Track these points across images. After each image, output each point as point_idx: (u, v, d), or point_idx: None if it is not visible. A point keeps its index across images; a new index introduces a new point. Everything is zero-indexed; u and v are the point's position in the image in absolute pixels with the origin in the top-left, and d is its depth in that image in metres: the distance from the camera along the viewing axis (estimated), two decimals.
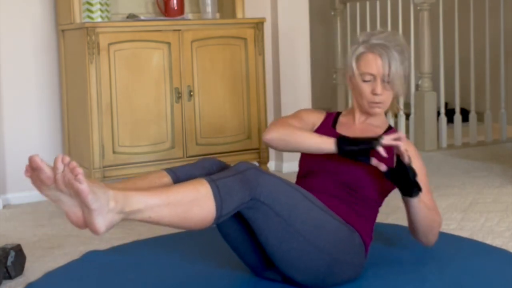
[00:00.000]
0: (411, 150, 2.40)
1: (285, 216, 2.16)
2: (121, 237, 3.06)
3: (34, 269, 2.65)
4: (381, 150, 2.25)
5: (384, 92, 2.43)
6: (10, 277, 2.52)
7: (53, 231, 3.20)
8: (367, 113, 2.51)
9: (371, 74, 2.42)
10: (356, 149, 2.27)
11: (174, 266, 2.62)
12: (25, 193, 3.77)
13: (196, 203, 2.03)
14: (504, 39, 5.24)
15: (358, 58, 2.44)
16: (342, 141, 2.29)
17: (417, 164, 2.39)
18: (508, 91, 5.53)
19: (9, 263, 2.51)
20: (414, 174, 2.28)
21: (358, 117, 2.53)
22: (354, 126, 2.52)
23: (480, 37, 5.33)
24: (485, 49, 5.23)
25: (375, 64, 2.41)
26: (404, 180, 2.29)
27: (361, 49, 2.45)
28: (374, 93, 2.42)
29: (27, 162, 1.92)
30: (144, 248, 2.85)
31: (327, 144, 2.31)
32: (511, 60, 5.59)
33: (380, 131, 2.50)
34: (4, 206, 3.71)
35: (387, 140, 2.26)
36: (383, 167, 2.27)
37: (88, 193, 1.86)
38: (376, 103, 2.44)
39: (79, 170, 1.85)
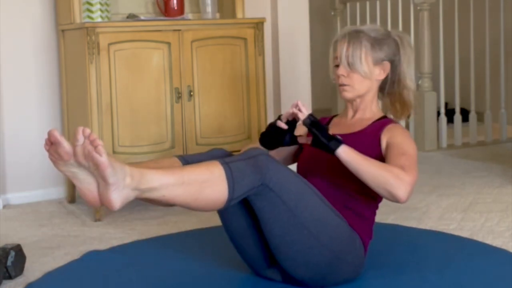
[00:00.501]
0: (398, 132, 2.38)
1: (292, 206, 2.16)
2: (121, 237, 3.06)
3: (34, 269, 2.65)
4: (280, 123, 2.32)
5: (349, 74, 2.43)
6: (10, 277, 2.52)
7: (53, 231, 3.20)
8: (356, 108, 2.50)
9: (336, 58, 2.47)
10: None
11: (174, 266, 2.62)
12: (25, 193, 3.77)
13: (209, 184, 2.05)
14: (504, 39, 5.24)
15: (333, 47, 2.50)
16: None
17: (405, 141, 2.34)
18: (508, 91, 5.53)
19: (9, 263, 2.51)
20: (319, 130, 2.25)
21: (349, 113, 2.53)
22: (343, 124, 2.52)
23: (480, 37, 5.33)
24: (485, 49, 5.24)
25: (339, 48, 2.45)
26: (316, 140, 2.26)
27: (334, 38, 2.52)
28: (337, 74, 2.45)
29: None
30: (144, 248, 2.85)
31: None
32: (511, 60, 5.59)
33: (367, 122, 2.48)
34: (4, 206, 3.71)
35: (286, 114, 2.32)
36: (303, 140, 2.34)
37: (107, 166, 1.86)
38: (343, 85, 2.45)
39: (99, 142, 1.86)
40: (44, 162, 3.78)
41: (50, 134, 1.89)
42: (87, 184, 1.93)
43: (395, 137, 2.35)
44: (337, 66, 2.46)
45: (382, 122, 2.44)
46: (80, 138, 1.87)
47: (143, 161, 2.31)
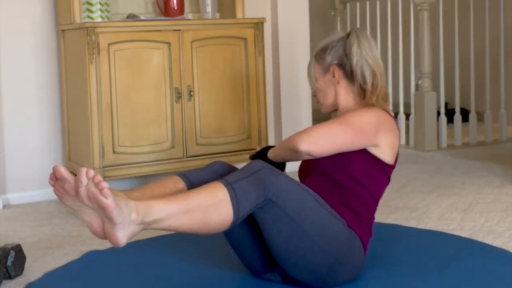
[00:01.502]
0: (356, 110, 2.43)
1: (294, 216, 2.17)
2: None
3: (34, 269, 2.65)
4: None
5: (315, 93, 2.56)
6: (10, 277, 2.52)
7: (53, 231, 3.20)
8: (340, 113, 2.55)
9: None
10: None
11: (174, 267, 2.62)
12: (25, 193, 3.77)
13: (214, 208, 2.05)
14: (504, 39, 5.24)
15: None
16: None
17: (350, 113, 2.41)
18: (508, 91, 5.53)
19: (9, 263, 2.51)
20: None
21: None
22: None
23: (480, 37, 5.33)
24: (485, 49, 5.24)
25: None
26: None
27: None
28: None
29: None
30: (144, 248, 2.85)
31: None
32: (511, 60, 5.59)
33: None
34: (4, 206, 3.71)
35: None
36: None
37: (114, 208, 1.87)
38: (318, 103, 2.58)
39: (105, 184, 1.86)
40: (44, 162, 3.80)
41: (55, 170, 1.88)
42: (94, 217, 1.94)
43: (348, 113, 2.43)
44: None
45: None
46: (84, 180, 1.87)
47: (147, 184, 2.31)
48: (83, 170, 1.87)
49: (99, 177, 1.87)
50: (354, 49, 2.45)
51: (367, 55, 2.46)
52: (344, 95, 2.49)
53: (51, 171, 1.92)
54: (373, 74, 2.45)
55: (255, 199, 2.11)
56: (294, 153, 2.32)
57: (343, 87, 2.49)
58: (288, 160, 2.43)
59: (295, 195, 2.19)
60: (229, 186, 2.09)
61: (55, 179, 1.91)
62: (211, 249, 2.76)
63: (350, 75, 2.47)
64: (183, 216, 2.01)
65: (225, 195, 2.07)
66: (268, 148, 2.52)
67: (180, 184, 2.31)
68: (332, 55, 2.49)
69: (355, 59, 2.45)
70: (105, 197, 1.86)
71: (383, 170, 2.39)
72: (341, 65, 2.47)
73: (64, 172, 1.88)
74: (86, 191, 1.88)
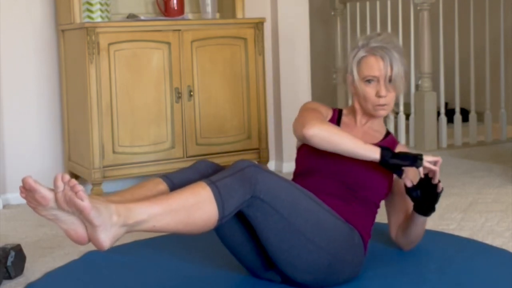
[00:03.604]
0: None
1: (285, 213, 2.16)
2: (121, 237, 3.05)
3: (34, 269, 2.65)
4: (421, 170, 2.31)
5: (388, 94, 2.44)
6: (10, 277, 2.52)
7: (53, 231, 3.20)
8: (368, 116, 2.52)
9: (374, 77, 2.44)
10: (400, 164, 2.31)
11: (173, 267, 2.62)
12: None
13: (198, 207, 2.04)
14: (504, 39, 5.23)
15: (360, 62, 2.46)
16: (386, 153, 2.31)
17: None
18: (508, 91, 5.53)
19: (9, 263, 2.51)
20: (438, 198, 2.40)
21: (360, 119, 2.54)
22: (356, 129, 2.54)
23: (480, 37, 5.33)
24: (485, 49, 5.23)
25: (377, 66, 2.42)
26: (427, 201, 2.38)
27: (361, 53, 2.46)
28: (378, 95, 2.43)
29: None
30: (144, 248, 2.85)
31: (372, 153, 2.31)
32: (511, 60, 5.58)
33: (379, 136, 2.54)
34: (4, 206, 3.71)
35: (428, 163, 2.31)
36: (409, 183, 2.37)
37: (91, 210, 1.86)
38: (381, 105, 2.45)
39: (80, 187, 1.86)
40: (44, 162, 3.79)
41: (24, 182, 1.89)
42: (70, 224, 1.93)
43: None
44: (368, 81, 2.45)
45: (392, 141, 2.53)
46: (60, 185, 1.87)
47: (127, 188, 2.28)
48: (59, 176, 1.88)
49: (74, 181, 1.87)
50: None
51: None
52: None
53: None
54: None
55: (241, 196, 2.09)
56: (415, 243, 2.57)
57: None
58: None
59: (285, 192, 2.17)
60: (213, 184, 2.07)
61: (25, 190, 1.90)
62: (211, 249, 2.75)
63: None
64: (166, 217, 1.99)
65: (208, 194, 2.05)
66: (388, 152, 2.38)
67: (162, 185, 2.26)
68: (404, 63, 2.48)
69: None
70: (81, 199, 1.85)
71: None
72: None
73: (32, 183, 1.88)
74: (63, 196, 1.88)
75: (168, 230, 2.03)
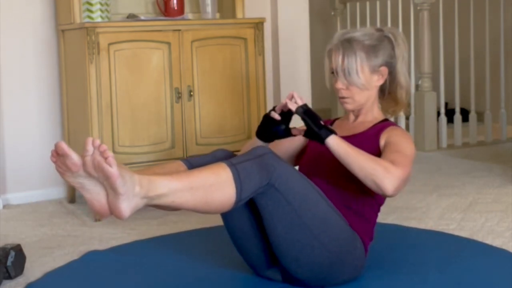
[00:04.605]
0: (397, 132, 2.38)
1: (296, 205, 2.16)
2: (121, 237, 3.06)
3: (34, 269, 2.65)
4: (274, 114, 2.33)
5: (349, 87, 2.41)
6: (10, 277, 2.52)
7: (53, 231, 3.20)
8: (358, 111, 2.50)
9: (332, 69, 2.44)
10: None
11: (174, 266, 2.62)
12: (25, 193, 3.77)
13: (217, 187, 2.05)
14: (504, 39, 5.24)
15: (328, 56, 2.47)
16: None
17: (402, 141, 2.33)
18: (508, 91, 5.53)
19: (9, 263, 2.51)
20: (311, 119, 2.27)
21: (351, 117, 2.53)
22: (345, 126, 2.52)
23: (480, 37, 5.33)
24: (485, 49, 5.24)
25: (334, 59, 2.42)
26: (308, 129, 2.28)
27: (328, 46, 2.47)
28: (335, 87, 2.43)
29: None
30: (144, 248, 2.85)
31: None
32: (511, 60, 5.59)
33: (369, 125, 2.47)
34: (4, 206, 3.71)
35: (280, 105, 2.33)
36: (295, 131, 2.35)
37: (118, 177, 1.86)
38: (342, 98, 2.44)
39: (110, 153, 1.86)
40: (44, 162, 3.79)
41: (57, 146, 1.88)
42: (96, 194, 1.93)
43: (393, 136, 2.35)
44: (332, 74, 2.45)
45: (383, 125, 2.44)
46: (90, 149, 1.86)
47: (149, 166, 2.31)
48: (90, 139, 1.87)
49: (104, 146, 1.87)
50: (399, 53, 2.43)
51: (405, 70, 2.46)
52: (375, 97, 2.47)
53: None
54: (406, 91, 2.48)
55: (258, 181, 2.10)
56: (375, 185, 2.17)
57: (377, 90, 2.47)
58: (354, 172, 2.22)
59: (299, 185, 2.18)
60: (233, 166, 2.09)
61: (57, 155, 1.90)
62: (211, 249, 2.76)
63: (388, 83, 2.46)
64: (186, 193, 2.00)
65: (228, 175, 2.07)
66: (269, 117, 2.38)
67: (182, 167, 2.28)
68: (382, 56, 2.41)
69: (399, 64, 2.44)
70: (110, 165, 1.85)
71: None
72: (389, 68, 2.44)
73: (66, 148, 1.87)
74: (91, 160, 1.87)
75: (186, 207, 2.04)
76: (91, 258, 2.74)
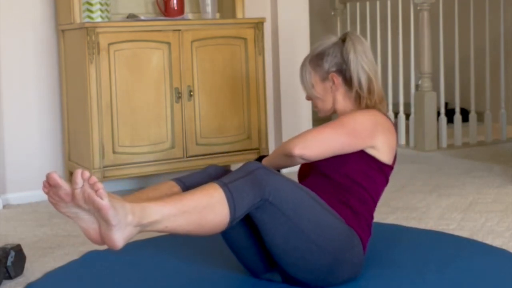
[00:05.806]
0: (351, 112, 2.43)
1: (291, 215, 2.17)
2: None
3: (34, 269, 2.65)
4: None
5: (312, 100, 2.53)
6: (10, 277, 2.52)
7: (53, 231, 3.20)
8: (338, 115, 2.55)
9: None
10: None
11: (173, 267, 2.62)
12: (25, 193, 3.77)
13: (211, 209, 2.05)
14: (504, 39, 5.23)
15: None
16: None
17: (347, 116, 2.41)
18: (508, 91, 5.53)
19: (9, 263, 2.51)
20: None
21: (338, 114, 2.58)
22: None
23: (480, 37, 5.33)
24: (485, 49, 5.24)
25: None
26: None
27: None
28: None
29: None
30: (144, 248, 2.85)
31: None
32: (511, 60, 5.59)
33: None
34: (4, 206, 3.71)
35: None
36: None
37: (109, 208, 1.86)
38: (315, 107, 2.56)
39: (100, 185, 1.85)
40: (44, 162, 3.79)
41: (49, 177, 1.87)
42: (90, 223, 1.93)
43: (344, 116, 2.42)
44: None
45: None
46: (79, 181, 1.86)
47: (142, 190, 2.31)
48: (78, 172, 1.86)
49: (94, 178, 1.86)
50: (351, 56, 2.44)
51: (362, 61, 2.45)
52: (342, 100, 2.49)
53: (48, 174, 1.90)
54: (369, 79, 2.46)
55: (251, 199, 2.11)
56: (288, 158, 2.33)
57: (341, 93, 2.48)
58: (283, 167, 2.42)
59: (291, 194, 2.18)
60: (225, 186, 2.09)
61: (49, 186, 1.89)
62: (211, 249, 2.76)
63: (349, 81, 2.46)
64: (179, 218, 2.00)
65: (221, 196, 2.07)
66: (262, 157, 2.52)
67: (175, 188, 2.29)
68: (329, 62, 2.46)
69: (352, 65, 2.45)
70: (101, 197, 1.84)
71: (381, 171, 2.40)
72: (340, 72, 2.46)
73: (57, 178, 1.86)
74: (81, 192, 1.86)
75: (180, 231, 2.04)
76: (91, 258, 2.74)
